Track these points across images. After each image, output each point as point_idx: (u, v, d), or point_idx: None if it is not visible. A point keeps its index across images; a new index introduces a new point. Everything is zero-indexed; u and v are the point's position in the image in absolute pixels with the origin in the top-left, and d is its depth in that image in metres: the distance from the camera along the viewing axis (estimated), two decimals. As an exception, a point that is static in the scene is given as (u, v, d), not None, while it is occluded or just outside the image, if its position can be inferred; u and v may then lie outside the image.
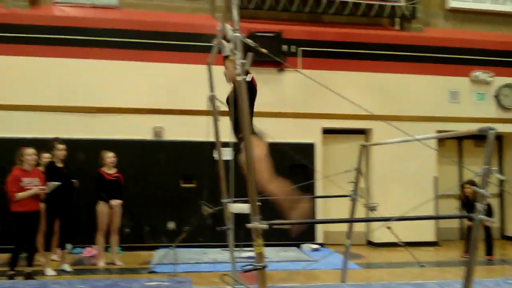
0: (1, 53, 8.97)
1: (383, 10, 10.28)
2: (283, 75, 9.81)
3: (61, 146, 7.30)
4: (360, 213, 7.82)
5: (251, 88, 3.85)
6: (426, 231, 9.93)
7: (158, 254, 8.32)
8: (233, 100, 3.85)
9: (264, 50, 3.09)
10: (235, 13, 3.00)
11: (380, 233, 8.95)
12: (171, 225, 9.23)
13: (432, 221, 10.05)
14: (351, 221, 6.44)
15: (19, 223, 6.56)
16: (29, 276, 6.61)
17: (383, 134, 8.76)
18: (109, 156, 7.81)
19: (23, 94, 8.95)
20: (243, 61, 2.86)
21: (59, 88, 9.04)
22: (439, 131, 9.76)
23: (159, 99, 9.27)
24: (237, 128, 3.95)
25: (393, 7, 10.33)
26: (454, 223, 10.90)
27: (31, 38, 9.04)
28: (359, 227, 9.23)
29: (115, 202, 7.70)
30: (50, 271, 7.03)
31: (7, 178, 6.65)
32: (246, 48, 3.01)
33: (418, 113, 10.04)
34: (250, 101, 3.63)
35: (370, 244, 9.93)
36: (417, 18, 10.44)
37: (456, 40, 10.52)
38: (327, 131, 9.97)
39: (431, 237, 10.04)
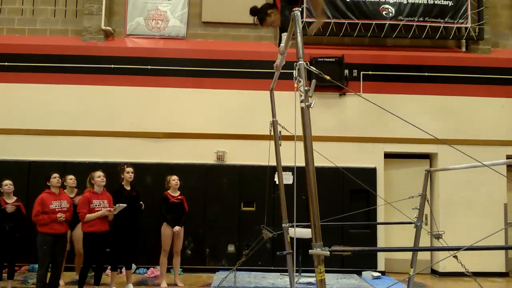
0: (83, 83, 9.53)
1: (449, 32, 10.07)
2: (345, 99, 9.77)
3: (129, 169, 7.59)
4: (424, 240, 7.56)
5: None
6: (495, 261, 9.42)
7: (218, 277, 8.39)
8: None
9: (327, 77, 3.09)
10: (299, 39, 3.01)
11: (446, 262, 8.62)
12: (231, 248, 9.31)
13: (502, 251, 9.51)
14: (415, 249, 6.22)
15: (88, 243, 6.85)
16: (96, 294, 6.84)
17: (449, 158, 8.48)
18: (174, 179, 8.04)
19: (96, 121, 9.45)
20: (307, 88, 2.87)
21: (129, 115, 9.48)
22: (510, 156, 9.32)
23: (222, 125, 9.51)
24: None
25: (459, 28, 10.10)
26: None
27: (106, 69, 9.56)
28: (423, 255, 8.88)
29: (176, 229, 7.83)
30: (116, 290, 7.26)
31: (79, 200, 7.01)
32: (308, 74, 3.03)
33: (487, 137, 9.64)
34: None
35: (435, 273, 9.52)
36: (485, 39, 10.11)
37: (527, 61, 10.06)
38: (389, 155, 9.78)
39: (500, 268, 9.49)
